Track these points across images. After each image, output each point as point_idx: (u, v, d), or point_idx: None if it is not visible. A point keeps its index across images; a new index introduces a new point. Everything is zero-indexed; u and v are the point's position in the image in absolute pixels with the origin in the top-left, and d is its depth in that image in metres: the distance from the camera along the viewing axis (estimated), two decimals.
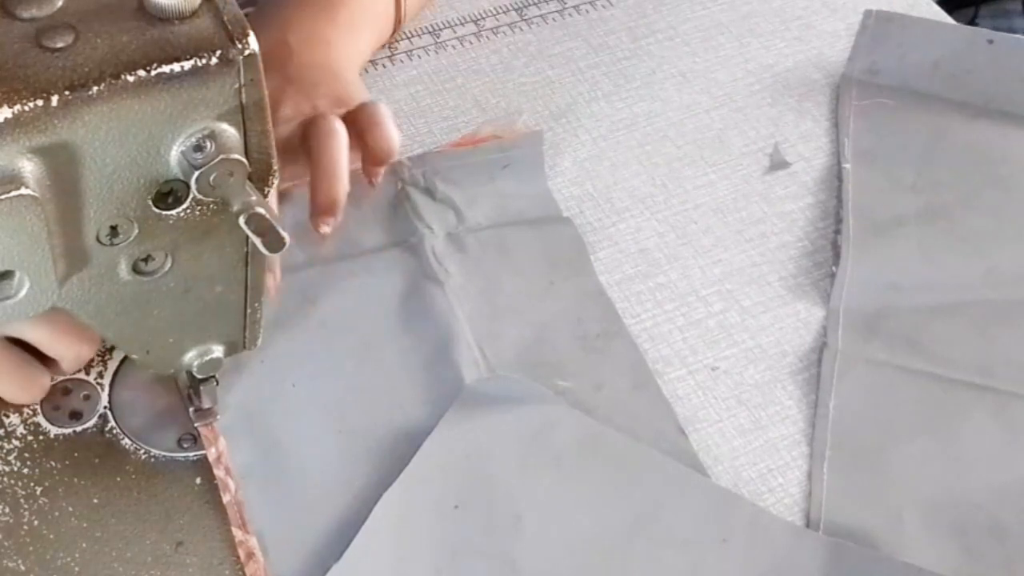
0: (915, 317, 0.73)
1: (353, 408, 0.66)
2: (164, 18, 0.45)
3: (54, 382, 0.65)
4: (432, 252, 0.73)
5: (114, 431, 0.64)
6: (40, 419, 0.64)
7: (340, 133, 0.70)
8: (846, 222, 0.77)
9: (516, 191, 0.77)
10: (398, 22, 0.84)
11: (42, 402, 0.65)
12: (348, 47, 0.79)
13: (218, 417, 0.64)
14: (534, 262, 0.74)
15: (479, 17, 0.89)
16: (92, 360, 0.66)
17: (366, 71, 0.85)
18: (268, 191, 0.51)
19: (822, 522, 0.64)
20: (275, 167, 0.51)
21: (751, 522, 0.64)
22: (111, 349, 0.67)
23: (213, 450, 0.62)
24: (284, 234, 0.50)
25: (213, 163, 0.47)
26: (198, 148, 0.47)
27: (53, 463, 0.63)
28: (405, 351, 0.68)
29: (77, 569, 0.59)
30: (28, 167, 0.44)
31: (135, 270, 0.52)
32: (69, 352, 0.62)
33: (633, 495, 0.64)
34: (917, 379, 0.70)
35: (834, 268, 0.75)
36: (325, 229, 0.68)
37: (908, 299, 0.74)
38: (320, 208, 0.68)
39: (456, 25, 0.89)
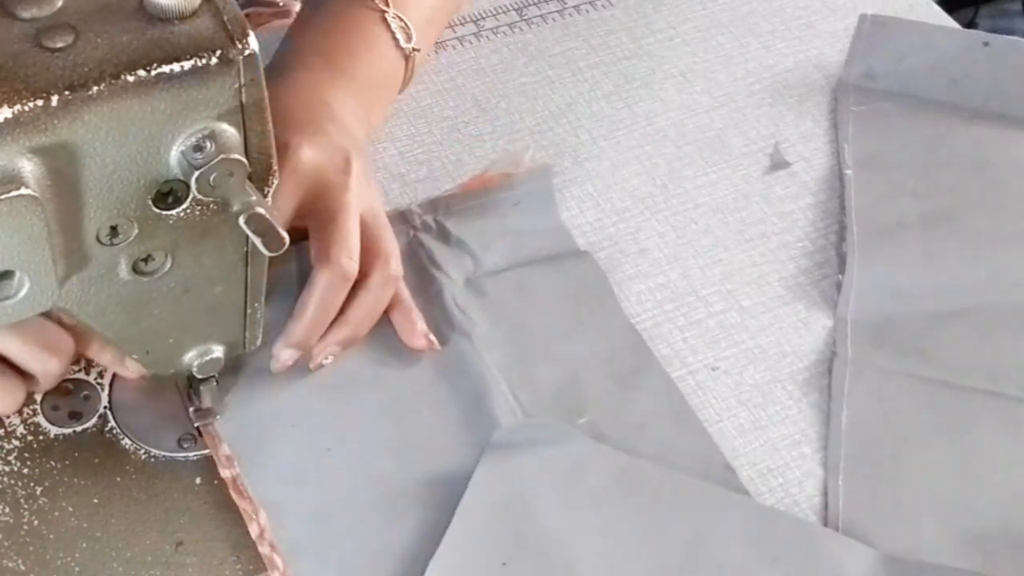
0: (922, 324, 0.72)
1: (393, 470, 0.64)
2: (164, 18, 0.45)
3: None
4: (454, 301, 0.70)
5: (114, 431, 0.64)
6: (40, 419, 0.64)
7: (381, 303, 0.68)
8: (850, 229, 0.77)
9: (529, 227, 0.75)
10: (406, 83, 0.80)
11: (42, 402, 0.65)
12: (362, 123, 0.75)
13: (217, 417, 0.64)
14: (557, 301, 0.72)
15: (479, 17, 0.89)
16: (92, 360, 0.66)
17: None
18: (268, 191, 0.51)
19: (840, 532, 0.64)
20: (275, 167, 0.51)
21: (800, 538, 0.63)
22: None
23: (255, 525, 0.61)
24: (284, 234, 0.50)
25: (213, 163, 0.47)
26: (198, 148, 0.47)
27: (53, 463, 0.63)
28: (440, 405, 0.66)
29: (77, 569, 0.59)
30: (28, 167, 0.44)
31: (135, 270, 0.52)
32: (38, 365, 0.60)
33: (680, 527, 0.63)
34: (927, 387, 0.70)
35: (840, 276, 0.75)
36: (278, 363, 0.65)
37: (914, 306, 0.73)
38: (295, 340, 0.65)
39: (456, 25, 0.89)
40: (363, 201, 0.68)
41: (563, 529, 0.62)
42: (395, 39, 0.77)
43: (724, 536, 0.62)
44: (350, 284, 0.66)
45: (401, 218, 0.74)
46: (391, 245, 0.69)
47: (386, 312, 0.69)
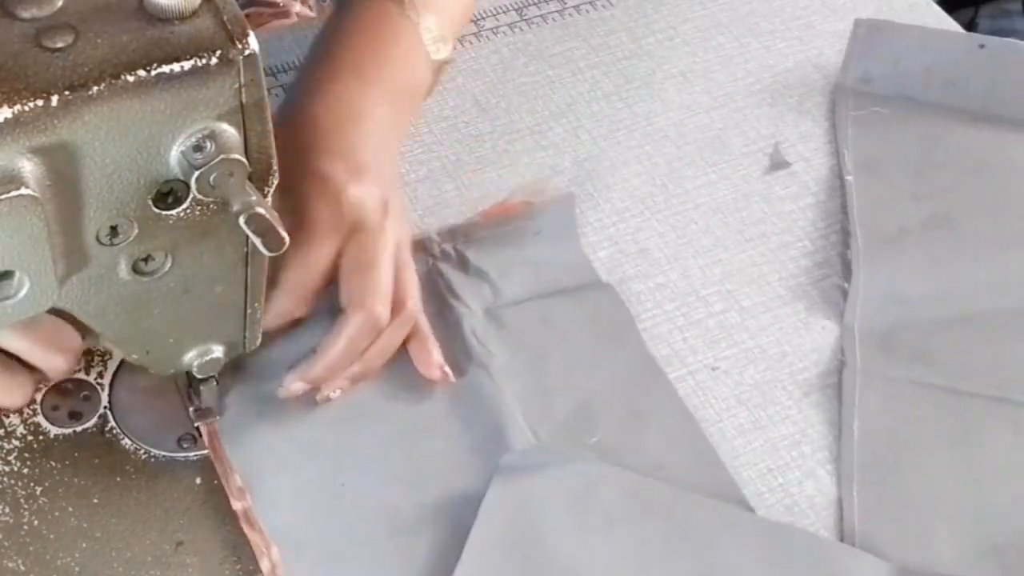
0: (928, 330, 0.72)
1: (404, 500, 0.63)
2: (164, 18, 0.45)
3: (53, 383, 0.65)
4: (473, 333, 0.69)
5: (114, 431, 0.64)
6: (40, 419, 0.64)
7: (395, 343, 0.67)
8: (853, 236, 0.76)
9: (550, 258, 0.74)
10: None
11: (42, 402, 0.65)
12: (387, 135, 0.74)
13: (218, 417, 0.64)
14: (578, 334, 0.71)
15: (479, 17, 0.89)
16: (92, 360, 0.66)
17: None
18: (268, 191, 0.51)
19: (856, 544, 0.64)
20: (275, 167, 0.51)
21: (813, 554, 0.63)
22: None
23: (266, 561, 0.60)
24: (284, 234, 0.50)
25: (213, 163, 0.47)
26: (198, 148, 0.47)
27: (53, 463, 0.63)
28: (454, 437, 0.65)
29: (77, 569, 0.59)
30: (28, 167, 0.44)
31: (135, 270, 0.52)
32: (45, 363, 0.59)
33: (693, 546, 0.62)
34: (934, 394, 0.70)
35: (845, 284, 0.74)
36: (286, 392, 0.65)
37: (919, 312, 0.73)
38: (312, 377, 0.65)
39: None
40: (396, 243, 0.68)
41: (575, 551, 0.61)
42: (427, 50, 0.76)
43: (738, 554, 0.62)
44: (380, 332, 0.66)
45: (420, 246, 0.73)
46: (412, 284, 0.68)
47: (403, 343, 0.68)
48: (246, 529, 0.61)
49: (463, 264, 0.73)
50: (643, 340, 0.71)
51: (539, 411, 0.67)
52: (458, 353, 0.69)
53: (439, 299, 0.71)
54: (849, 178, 0.80)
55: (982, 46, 0.85)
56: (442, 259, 0.73)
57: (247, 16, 0.86)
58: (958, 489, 0.66)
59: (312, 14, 0.88)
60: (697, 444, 0.67)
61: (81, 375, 0.66)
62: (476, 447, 0.65)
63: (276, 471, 0.63)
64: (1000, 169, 0.81)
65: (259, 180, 0.50)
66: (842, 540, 0.64)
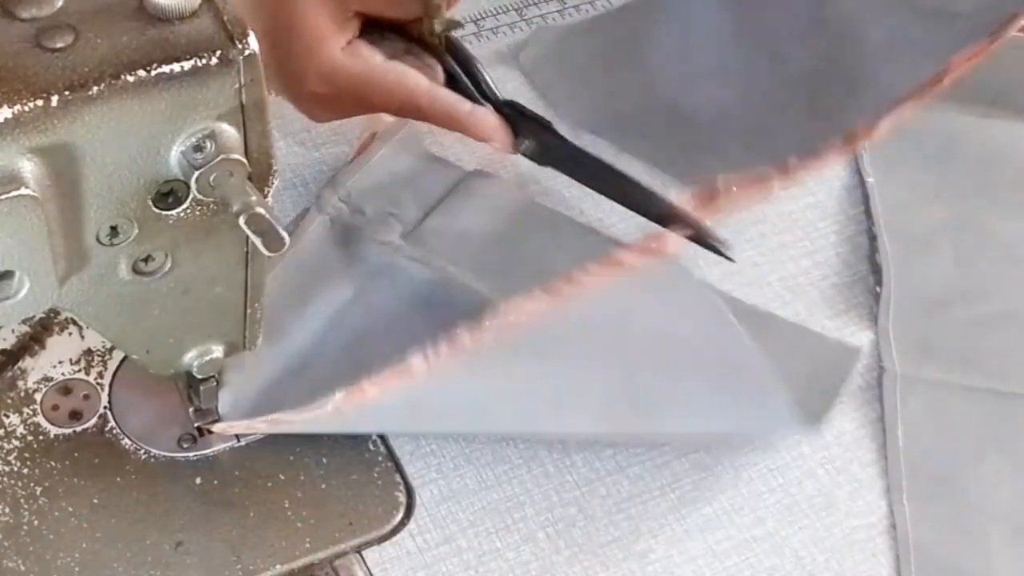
0: (964, 332, 0.72)
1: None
2: (164, 18, 0.45)
3: (53, 383, 0.65)
4: (411, 260, 0.71)
5: (114, 431, 0.64)
6: (40, 419, 0.64)
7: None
8: (880, 240, 0.76)
9: (416, 170, 0.77)
10: None
11: (42, 402, 0.65)
12: None
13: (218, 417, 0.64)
14: (487, 216, 0.74)
15: (479, 17, 0.89)
16: (92, 360, 0.66)
17: None
18: (268, 191, 0.51)
19: (912, 555, 0.63)
20: (275, 167, 0.51)
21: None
22: (111, 349, 0.67)
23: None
24: (284, 234, 0.50)
25: (213, 163, 0.47)
26: (198, 148, 0.47)
27: (53, 463, 0.63)
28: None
29: (77, 569, 0.59)
30: (28, 167, 0.44)
31: (135, 270, 0.52)
32: None
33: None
34: (976, 396, 0.69)
35: (878, 288, 0.74)
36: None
37: (954, 314, 0.73)
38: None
39: None
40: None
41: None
42: None
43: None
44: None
45: (317, 208, 0.75)
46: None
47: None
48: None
49: (359, 210, 0.75)
50: (543, 205, 0.75)
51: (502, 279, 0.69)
52: (414, 279, 0.70)
53: (360, 249, 0.72)
54: (870, 180, 0.79)
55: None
56: (338, 215, 0.74)
57: None
58: (1009, 492, 0.66)
59: None
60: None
61: (81, 375, 0.66)
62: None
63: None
64: (1019, 163, 0.81)
65: (259, 180, 0.50)
66: (896, 550, 0.64)
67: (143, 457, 0.64)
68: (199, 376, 0.61)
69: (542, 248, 0.72)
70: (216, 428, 0.64)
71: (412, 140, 0.78)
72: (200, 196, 0.48)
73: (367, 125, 0.78)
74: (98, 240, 0.49)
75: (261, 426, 0.63)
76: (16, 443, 0.63)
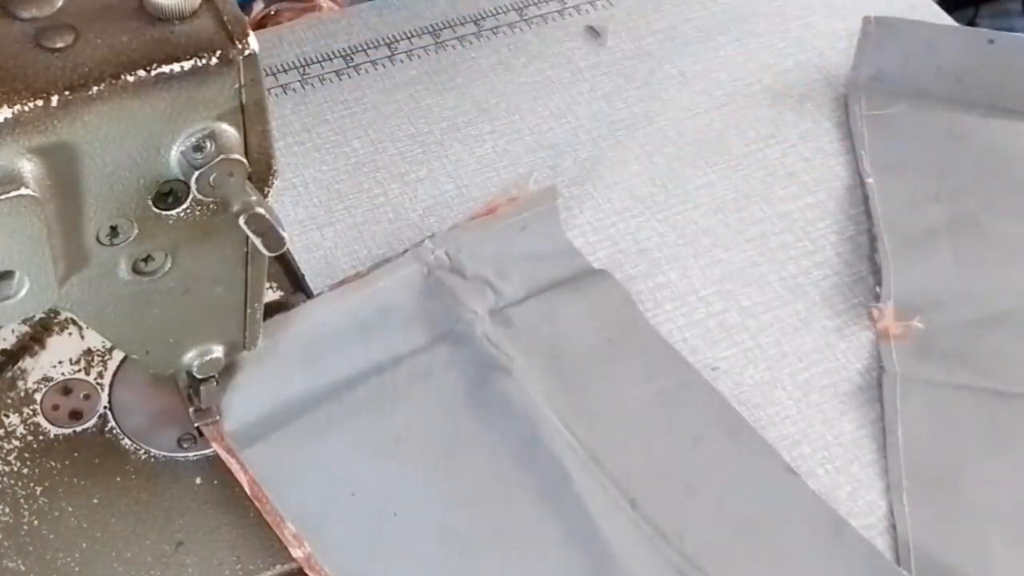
0: (963, 332, 0.72)
1: (464, 527, 0.62)
2: (164, 18, 0.45)
3: (53, 383, 0.65)
4: (486, 338, 0.69)
5: (114, 431, 0.64)
6: (40, 419, 0.64)
7: None
8: (880, 240, 0.76)
9: (541, 251, 0.74)
10: None
11: (42, 402, 0.65)
12: None
13: (218, 418, 0.64)
14: (585, 324, 0.71)
15: (479, 17, 0.89)
16: (92, 360, 0.66)
17: (367, 72, 0.85)
18: (268, 191, 0.51)
19: (912, 556, 0.63)
20: (275, 167, 0.51)
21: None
22: (111, 349, 0.67)
23: None
24: (284, 234, 0.50)
25: (213, 163, 0.47)
26: (198, 148, 0.47)
27: (53, 463, 0.63)
28: (494, 450, 0.65)
29: (77, 569, 0.59)
30: (28, 167, 0.44)
31: (135, 270, 0.52)
32: None
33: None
34: (975, 396, 0.69)
35: (878, 288, 0.74)
36: None
37: (954, 314, 0.73)
38: None
39: (456, 25, 0.89)
40: None
41: None
42: None
43: None
44: None
45: (415, 256, 0.73)
46: None
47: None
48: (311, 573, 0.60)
49: (460, 270, 0.72)
50: (650, 324, 0.71)
51: (570, 410, 0.66)
52: (476, 362, 0.68)
53: (444, 310, 0.70)
54: (870, 180, 0.79)
55: (991, 41, 0.85)
56: (437, 267, 0.72)
57: (278, 12, 0.86)
58: (1009, 492, 0.66)
59: (338, 8, 0.88)
60: (728, 415, 0.68)
61: (81, 375, 0.66)
62: (517, 458, 0.64)
63: (325, 512, 0.62)
64: (1019, 165, 0.81)
65: (259, 180, 0.50)
66: (895, 550, 0.64)
67: (143, 457, 0.64)
68: (199, 376, 0.61)
69: (629, 373, 0.69)
70: (207, 433, 0.63)
71: (552, 217, 0.76)
72: (200, 196, 0.48)
73: (507, 187, 0.77)
74: (98, 240, 0.49)
75: (235, 465, 0.62)
76: (16, 443, 0.63)
